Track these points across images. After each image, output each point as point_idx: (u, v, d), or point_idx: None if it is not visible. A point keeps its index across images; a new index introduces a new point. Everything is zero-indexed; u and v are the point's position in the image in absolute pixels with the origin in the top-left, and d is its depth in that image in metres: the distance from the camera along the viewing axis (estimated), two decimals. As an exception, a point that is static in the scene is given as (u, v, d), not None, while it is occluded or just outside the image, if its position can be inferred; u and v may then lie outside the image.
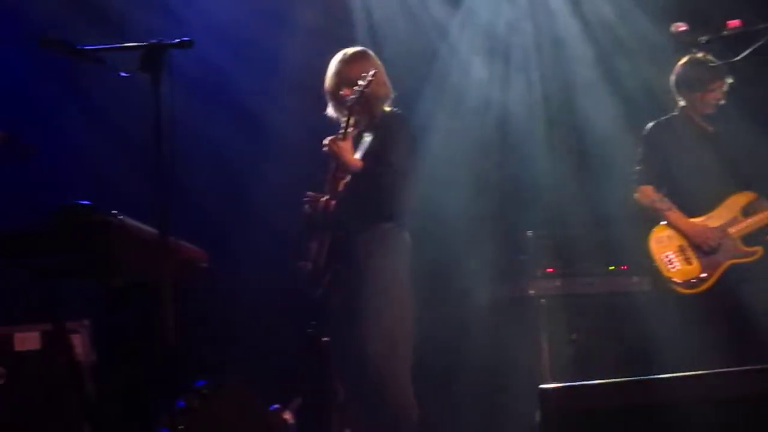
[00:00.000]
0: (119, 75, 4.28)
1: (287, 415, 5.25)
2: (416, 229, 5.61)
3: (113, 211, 4.28)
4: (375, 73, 5.24)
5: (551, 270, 6.69)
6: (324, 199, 5.39)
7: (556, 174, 7.21)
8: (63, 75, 6.46)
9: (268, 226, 6.56)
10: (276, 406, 5.19)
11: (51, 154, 5.87)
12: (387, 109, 5.45)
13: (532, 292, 6.61)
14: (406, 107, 5.73)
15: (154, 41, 4.13)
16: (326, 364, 5.15)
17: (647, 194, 6.21)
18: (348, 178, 5.29)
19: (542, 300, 6.59)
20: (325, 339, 5.07)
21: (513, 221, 7.06)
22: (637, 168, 6.28)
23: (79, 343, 5.61)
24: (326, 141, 5.29)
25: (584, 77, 7.35)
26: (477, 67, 7.39)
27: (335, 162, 5.31)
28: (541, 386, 3.95)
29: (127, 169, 6.44)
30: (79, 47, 4.30)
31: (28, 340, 5.79)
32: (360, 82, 5.21)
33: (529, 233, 6.77)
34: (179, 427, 4.30)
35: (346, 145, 5.26)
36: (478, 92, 7.35)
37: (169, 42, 4.13)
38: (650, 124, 6.31)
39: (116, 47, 4.31)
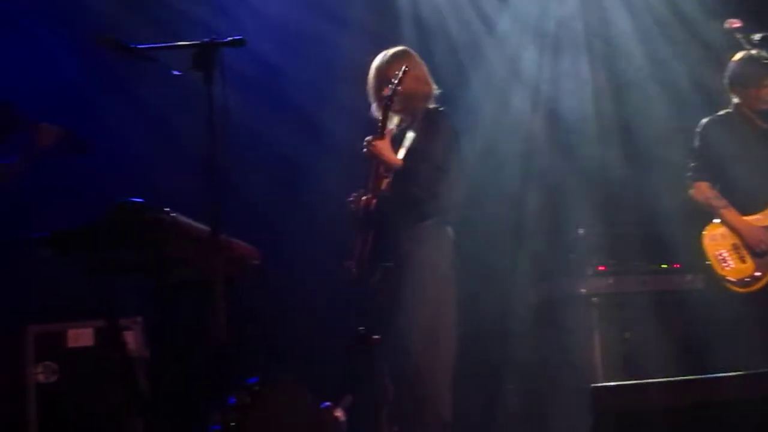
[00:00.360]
0: (172, 73, 4.30)
1: (338, 413, 5.25)
2: (464, 226, 5.60)
3: (166, 209, 4.30)
4: (406, 70, 5.24)
5: (603, 268, 6.64)
6: (367, 197, 5.40)
7: (606, 170, 7.15)
8: (116, 73, 6.51)
9: (319, 224, 6.56)
10: (327, 403, 5.20)
11: (104, 152, 5.93)
12: (431, 106, 5.45)
13: (583, 290, 6.56)
14: (452, 103, 5.71)
15: (207, 40, 4.14)
16: (376, 362, 5.14)
17: (702, 191, 6.15)
18: (389, 176, 5.30)
19: (594, 298, 6.54)
20: (376, 337, 5.06)
21: (563, 219, 7.01)
22: (692, 164, 6.22)
23: (132, 339, 5.66)
24: (366, 141, 5.32)
25: (635, 72, 7.29)
26: (526, 61, 7.35)
27: (375, 161, 5.33)
28: (594, 385, 3.93)
29: (179, 167, 6.47)
30: (133, 46, 4.33)
31: (81, 336, 5.85)
32: (393, 80, 5.22)
33: (581, 231, 6.72)
34: (231, 424, 4.31)
35: (383, 144, 5.29)
36: (526, 87, 7.31)
37: (221, 40, 4.14)
38: (705, 120, 6.25)
39: (169, 46, 4.33)
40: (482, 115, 7.08)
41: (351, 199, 5.48)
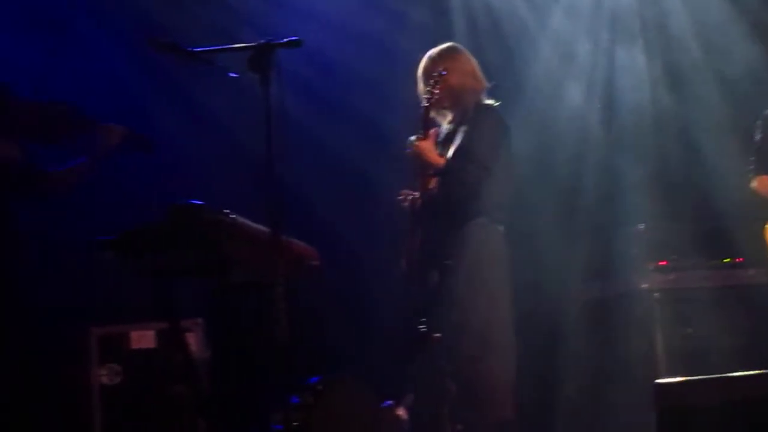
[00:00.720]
0: (228, 76, 4.32)
1: (400, 411, 5.25)
2: (519, 223, 5.57)
3: (225, 210, 4.33)
4: (443, 74, 5.23)
5: (664, 263, 6.57)
6: (415, 196, 5.39)
7: (666, 164, 7.09)
8: (171, 77, 6.56)
9: (379, 222, 6.56)
10: (389, 402, 5.19)
11: (162, 155, 5.96)
12: (483, 102, 5.42)
13: (645, 286, 6.50)
14: (505, 98, 5.68)
15: (263, 41, 4.15)
16: (437, 361, 5.13)
17: (765, 184, 6.07)
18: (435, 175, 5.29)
19: (656, 294, 6.48)
20: (437, 335, 5.05)
21: (622, 214, 6.95)
22: (753, 157, 6.15)
23: (193, 340, 5.70)
24: (408, 142, 5.32)
25: (692, 64, 7.20)
26: (580, 54, 7.29)
27: (419, 162, 5.33)
28: (657, 381, 3.90)
29: (236, 169, 6.51)
30: (189, 49, 4.35)
31: (143, 338, 5.90)
32: (431, 88, 5.22)
33: (641, 226, 6.66)
34: (293, 423, 4.34)
35: (425, 145, 5.28)
36: (581, 80, 7.25)
37: (277, 42, 4.15)
38: (766, 112, 6.17)
39: (225, 48, 4.35)
40: (536, 110, 7.03)
41: (401, 197, 5.47)
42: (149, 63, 6.41)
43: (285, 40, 4.16)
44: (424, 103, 5.29)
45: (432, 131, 5.39)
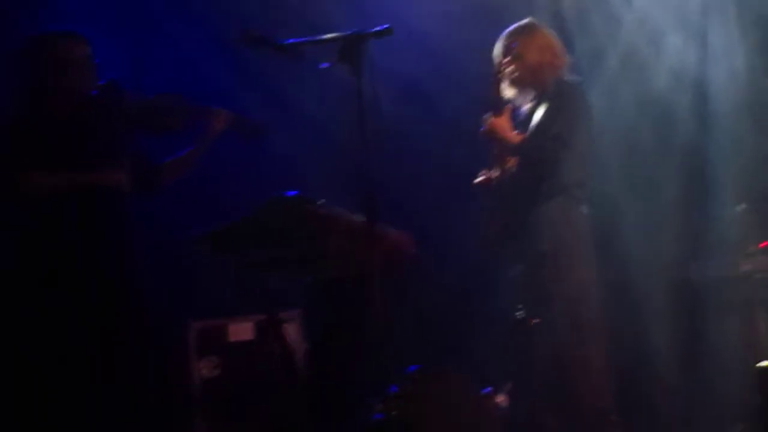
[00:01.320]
0: (319, 68, 4.32)
1: (499, 399, 5.22)
2: (609, 202, 5.48)
3: (320, 201, 4.34)
4: (514, 45, 5.15)
5: (765, 244, 6.44)
6: (495, 176, 5.34)
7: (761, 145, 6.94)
8: (260, 70, 6.60)
9: (472, 207, 6.52)
10: (488, 389, 5.16)
11: (258, 148, 6.00)
12: (564, 78, 5.34)
13: (746, 268, 6.37)
14: (589, 75, 5.59)
15: (353, 31, 4.15)
16: (535, 347, 5.09)
17: None
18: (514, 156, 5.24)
19: (758, 276, 6.35)
20: (535, 321, 5.01)
21: (718, 196, 6.83)
22: None
23: (291, 332, 5.73)
24: (483, 119, 5.25)
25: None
26: (669, 37, 7.15)
27: (493, 140, 5.27)
28: (759, 365, 3.83)
29: (331, 160, 6.52)
30: (278, 42, 4.37)
31: (241, 330, 5.95)
32: (503, 66, 5.20)
33: (741, 206, 6.52)
34: (392, 413, 4.33)
35: (499, 122, 5.21)
36: (669, 60, 7.11)
37: (368, 31, 4.14)
38: None
39: (316, 40, 4.35)
40: (625, 87, 6.91)
41: (480, 179, 5.41)
42: (239, 58, 6.45)
43: (376, 29, 4.15)
44: (493, 79, 5.22)
45: (506, 107, 5.31)
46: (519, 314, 5.07)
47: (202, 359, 5.88)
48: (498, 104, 5.25)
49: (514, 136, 5.22)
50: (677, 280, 6.72)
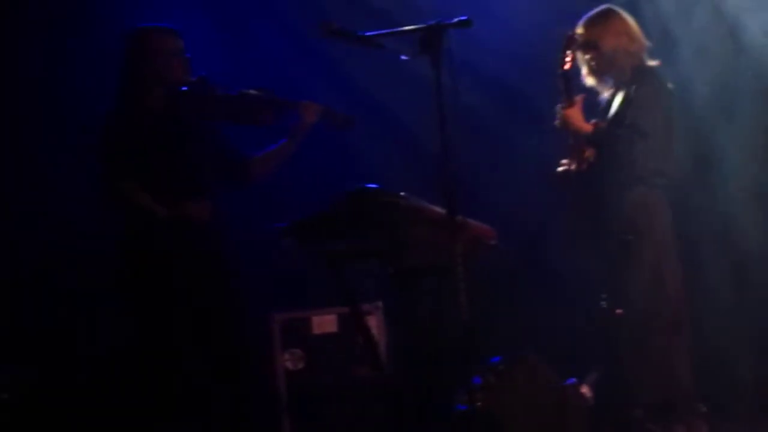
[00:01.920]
0: (400, 59, 4.32)
1: (585, 389, 5.18)
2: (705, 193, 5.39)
3: (401, 193, 4.34)
4: (590, 43, 5.17)
5: None
6: (574, 166, 5.29)
7: None
8: (339, 64, 6.64)
9: (553, 199, 6.48)
10: (573, 380, 5.14)
11: (339, 141, 6.03)
12: (644, 63, 5.26)
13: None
14: (668, 59, 5.51)
15: (432, 23, 4.14)
16: (620, 336, 5.05)
17: None
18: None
19: None
20: (619, 311, 4.97)
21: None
22: None
23: (374, 324, 5.75)
24: (556, 110, 5.22)
25: None
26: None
27: (570, 131, 5.23)
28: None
29: (412, 152, 6.53)
30: (359, 34, 4.38)
31: (325, 323, 5.98)
32: (566, 56, 5.14)
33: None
34: (477, 404, 4.33)
35: (573, 113, 5.18)
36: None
37: (447, 22, 4.13)
38: None
39: (395, 31, 4.35)
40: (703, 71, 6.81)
41: (559, 169, 5.38)
42: (321, 53, 6.50)
43: (455, 20, 4.14)
44: (562, 69, 5.19)
45: (578, 97, 5.26)
46: (603, 304, 5.03)
47: (286, 352, 5.92)
48: (569, 94, 5.20)
49: (587, 126, 5.18)
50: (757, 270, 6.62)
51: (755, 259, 6.42)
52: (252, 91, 5.27)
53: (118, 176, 5.08)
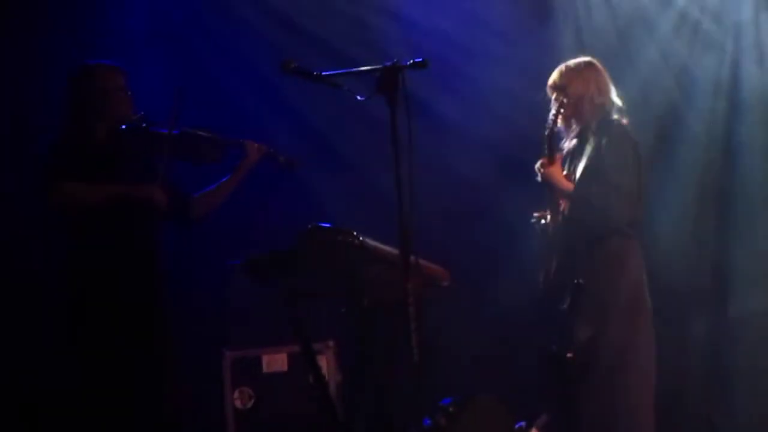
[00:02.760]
0: (356, 99, 4.34)
1: (534, 433, 5.20)
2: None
3: (354, 233, 4.34)
4: (564, 101, 5.18)
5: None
6: (548, 218, 5.35)
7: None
8: (294, 101, 6.67)
9: (509, 242, 6.51)
10: (522, 423, 5.14)
11: (292, 178, 6.03)
12: (610, 117, 5.33)
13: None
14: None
15: (389, 63, 4.16)
16: (570, 381, 5.06)
17: None
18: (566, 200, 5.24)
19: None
20: (569, 355, 4.98)
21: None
22: None
23: (325, 363, 5.73)
24: (537, 167, 5.28)
25: None
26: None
27: (548, 186, 5.29)
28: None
29: (365, 191, 6.54)
30: (317, 72, 4.39)
31: (275, 361, 5.95)
32: (552, 110, 5.20)
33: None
34: (427, 445, 4.32)
35: (553, 170, 5.24)
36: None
37: (403, 63, 4.15)
38: None
39: (352, 71, 4.37)
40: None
41: (534, 220, 5.44)
42: (276, 91, 6.52)
43: (411, 61, 4.16)
44: (548, 126, 5.25)
45: (558, 154, 5.34)
46: (553, 347, 5.04)
47: (236, 390, 5.88)
48: (552, 151, 5.26)
49: (566, 182, 5.23)
50: (714, 315, 6.68)
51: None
52: (194, 130, 5.32)
53: (60, 178, 5.09)
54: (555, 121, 5.25)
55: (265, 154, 5.50)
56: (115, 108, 5.26)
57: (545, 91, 5.40)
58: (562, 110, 5.25)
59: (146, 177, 5.25)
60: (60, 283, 5.18)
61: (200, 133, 5.36)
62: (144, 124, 5.25)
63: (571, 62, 5.42)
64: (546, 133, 5.28)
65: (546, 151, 5.27)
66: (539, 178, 5.32)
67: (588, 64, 5.42)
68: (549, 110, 5.34)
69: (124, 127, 5.25)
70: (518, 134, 6.38)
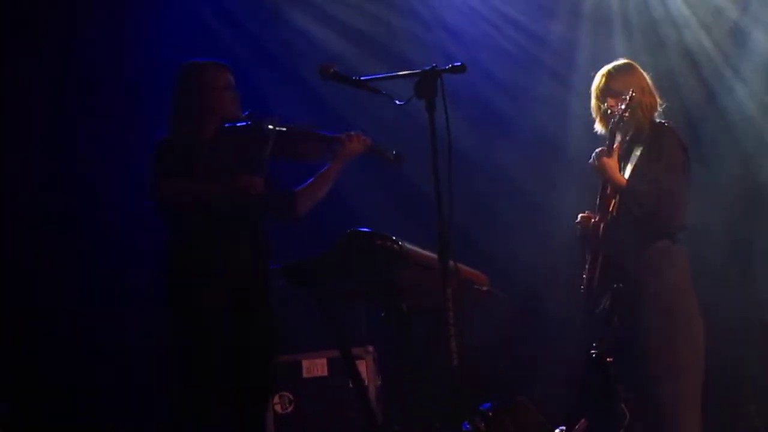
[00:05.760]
0: (395, 103, 4.35)
1: (574, 437, 5.17)
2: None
3: (394, 237, 4.35)
4: (633, 95, 5.13)
5: None
6: (595, 219, 5.32)
7: None
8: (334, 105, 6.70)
9: (552, 245, 6.49)
10: (562, 427, 5.12)
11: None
12: (657, 120, 5.31)
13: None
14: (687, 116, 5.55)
15: (428, 68, 4.17)
16: (612, 385, 5.03)
17: None
18: (617, 197, 5.19)
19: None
20: (610, 359, 4.96)
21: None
22: None
23: (364, 368, 5.74)
24: (594, 154, 5.24)
25: None
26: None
27: (601, 178, 5.25)
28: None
29: (406, 196, 6.55)
30: (355, 77, 4.41)
31: (315, 366, 5.97)
32: (621, 105, 5.14)
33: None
34: (466, 450, 4.32)
35: (611, 162, 5.18)
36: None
37: (442, 68, 4.16)
38: None
39: (391, 76, 4.38)
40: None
41: (579, 221, 5.41)
42: (316, 97, 6.55)
43: (450, 65, 4.17)
44: (613, 122, 5.21)
45: (616, 147, 5.28)
46: (593, 352, 5.02)
47: (276, 395, 5.90)
48: (612, 143, 5.22)
49: (621, 177, 5.19)
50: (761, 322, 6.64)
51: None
52: (299, 126, 5.25)
53: (168, 176, 5.04)
54: (622, 116, 5.15)
55: (369, 148, 5.39)
56: (223, 106, 5.19)
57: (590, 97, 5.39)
58: (629, 108, 5.17)
59: (250, 173, 5.19)
60: (163, 281, 5.12)
61: (306, 129, 5.28)
62: (250, 122, 5.19)
63: (617, 66, 5.39)
64: (610, 126, 5.22)
65: (608, 142, 5.23)
66: (594, 167, 5.26)
67: (633, 66, 5.40)
68: (590, 116, 5.33)
69: (229, 125, 5.21)
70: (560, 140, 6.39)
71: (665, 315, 5.06)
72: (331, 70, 4.44)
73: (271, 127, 5.07)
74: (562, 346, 6.16)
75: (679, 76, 6.93)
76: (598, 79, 5.38)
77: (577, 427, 5.18)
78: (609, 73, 5.36)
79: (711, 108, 7.05)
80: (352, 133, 5.33)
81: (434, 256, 4.10)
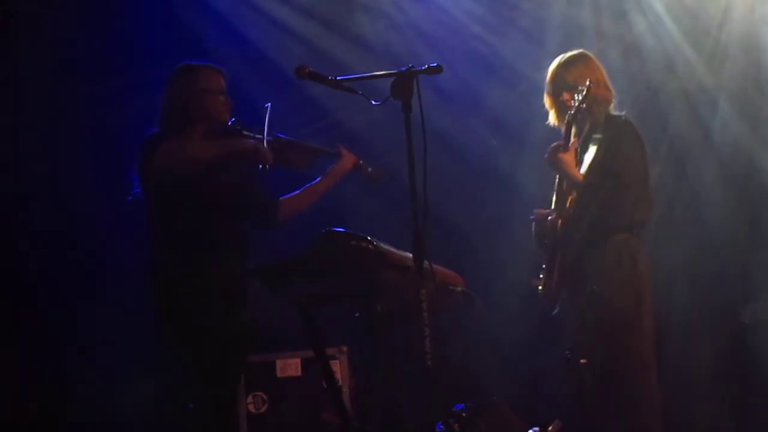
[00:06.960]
0: (371, 103, 4.34)
1: (548, 437, 5.18)
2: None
3: (368, 237, 4.34)
4: (590, 86, 5.07)
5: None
6: (552, 216, 5.30)
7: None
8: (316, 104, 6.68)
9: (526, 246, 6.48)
10: (536, 429, 5.13)
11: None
12: (612, 113, 5.28)
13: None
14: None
15: (404, 68, 4.16)
16: (584, 385, 5.04)
17: None
18: (574, 193, 5.17)
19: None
20: (583, 360, 4.96)
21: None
22: None
23: (338, 368, 5.73)
24: (550, 149, 5.21)
25: None
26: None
27: (557, 174, 5.23)
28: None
29: (380, 195, 6.54)
30: (332, 77, 4.40)
31: (289, 366, 5.96)
32: (576, 96, 5.07)
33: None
34: (439, 451, 4.31)
35: (567, 157, 5.15)
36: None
37: (418, 68, 4.15)
38: None
39: (368, 76, 4.37)
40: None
41: (533, 217, 5.38)
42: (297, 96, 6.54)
43: (426, 66, 4.16)
44: (568, 116, 5.17)
45: (574, 141, 5.25)
46: (567, 353, 5.02)
47: (249, 395, 5.89)
48: (569, 138, 5.18)
49: (577, 172, 5.15)
50: (728, 323, 6.65)
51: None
52: (286, 138, 5.24)
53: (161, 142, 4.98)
54: (579, 108, 5.08)
55: (355, 164, 5.41)
56: (213, 109, 5.14)
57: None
58: (585, 99, 5.11)
59: (233, 188, 5.12)
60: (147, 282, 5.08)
61: (293, 140, 5.27)
62: (238, 128, 5.16)
63: (571, 57, 5.33)
64: (567, 119, 5.18)
65: (565, 137, 5.19)
66: (549, 162, 5.21)
67: (587, 57, 5.34)
68: (543, 104, 5.29)
69: (219, 130, 5.17)
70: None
71: (621, 310, 5.04)
72: (307, 70, 4.42)
73: (259, 136, 5.06)
74: (537, 346, 6.17)
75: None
76: (550, 70, 5.33)
77: (550, 428, 5.19)
78: (562, 64, 5.31)
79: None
80: (344, 148, 5.34)
81: (410, 256, 4.09)
